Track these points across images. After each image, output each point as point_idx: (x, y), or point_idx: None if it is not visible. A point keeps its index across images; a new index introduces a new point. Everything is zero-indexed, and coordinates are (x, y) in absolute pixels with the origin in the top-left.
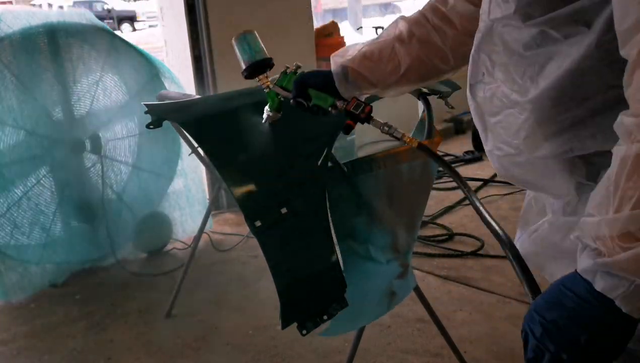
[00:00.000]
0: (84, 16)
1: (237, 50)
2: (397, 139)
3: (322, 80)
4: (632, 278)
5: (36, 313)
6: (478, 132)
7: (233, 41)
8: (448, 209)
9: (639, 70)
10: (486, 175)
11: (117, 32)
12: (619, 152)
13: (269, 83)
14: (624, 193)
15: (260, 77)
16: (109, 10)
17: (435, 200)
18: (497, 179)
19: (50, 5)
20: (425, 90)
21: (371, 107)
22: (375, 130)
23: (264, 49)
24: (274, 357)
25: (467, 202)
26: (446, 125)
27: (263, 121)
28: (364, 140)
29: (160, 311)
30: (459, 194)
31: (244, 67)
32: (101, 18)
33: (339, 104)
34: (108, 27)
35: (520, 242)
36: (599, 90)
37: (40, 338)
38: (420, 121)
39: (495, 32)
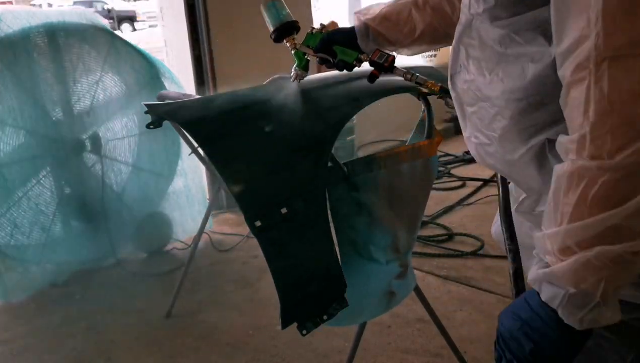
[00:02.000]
0: (84, 16)
1: (265, 16)
2: (420, 85)
3: (346, 37)
4: (566, 287)
5: (36, 313)
6: None
7: (262, 8)
8: (448, 209)
9: (572, 91)
10: (486, 175)
11: (117, 32)
12: (557, 170)
13: (295, 43)
14: (562, 208)
15: (288, 38)
16: (109, 10)
17: (435, 200)
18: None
19: (50, 5)
20: (425, 90)
21: (394, 56)
22: (375, 130)
23: (290, 13)
24: (274, 357)
25: (467, 202)
26: (446, 125)
27: (291, 80)
28: (364, 140)
29: (160, 311)
30: (459, 194)
31: (272, 30)
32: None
33: (362, 56)
34: (108, 27)
35: (495, 227)
36: (556, 97)
37: (40, 338)
38: (421, 121)
39: (474, 26)
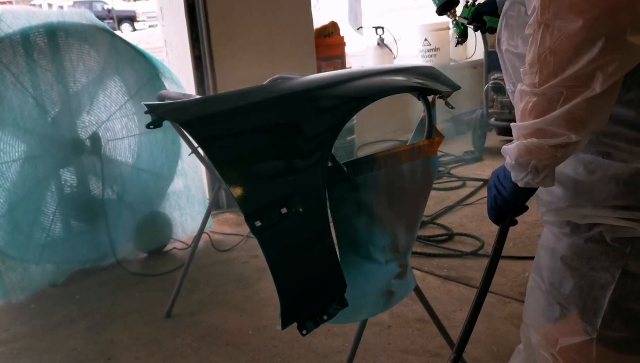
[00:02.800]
0: (84, 16)
1: None
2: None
3: (493, 7)
4: (513, 158)
5: (36, 313)
6: (477, 131)
7: None
8: (448, 209)
9: (533, 45)
10: (486, 175)
11: (117, 32)
12: (517, 87)
13: (455, 15)
14: (516, 112)
15: (449, 12)
16: (109, 10)
17: (435, 200)
18: None
19: (50, 5)
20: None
21: None
22: (375, 130)
23: None
24: (274, 357)
25: (467, 202)
26: (446, 125)
27: (455, 45)
28: (364, 140)
29: (160, 311)
30: (459, 194)
31: (437, 5)
32: (101, 18)
33: None
34: (108, 27)
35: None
36: None
37: (40, 338)
38: (421, 121)
39: (516, 1)
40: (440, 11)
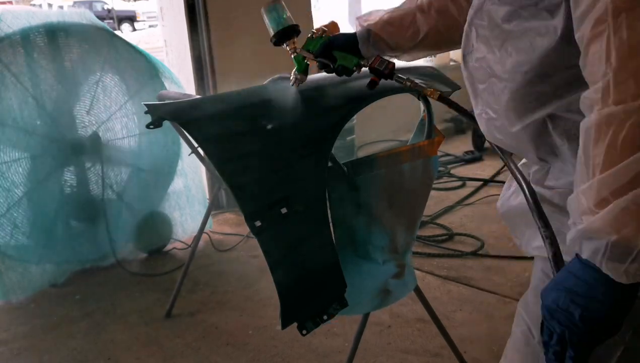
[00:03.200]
0: (84, 16)
1: (266, 19)
2: (419, 92)
3: (347, 42)
4: (607, 237)
5: (36, 313)
6: (477, 131)
7: (262, 10)
8: (448, 209)
9: (592, 47)
10: (486, 175)
11: (117, 32)
12: (583, 125)
13: (296, 47)
14: (593, 161)
15: (288, 42)
16: (109, 10)
17: (435, 200)
18: (497, 178)
19: (50, 5)
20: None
21: (394, 63)
22: (375, 130)
23: (291, 17)
24: (274, 357)
25: (467, 202)
26: (446, 125)
27: (291, 84)
28: (364, 140)
29: (160, 311)
30: (459, 194)
31: (272, 34)
32: (101, 18)
33: (362, 62)
34: (108, 27)
35: (501, 203)
36: (559, 69)
37: (40, 338)
38: (421, 121)
39: (485, 8)
40: (277, 41)
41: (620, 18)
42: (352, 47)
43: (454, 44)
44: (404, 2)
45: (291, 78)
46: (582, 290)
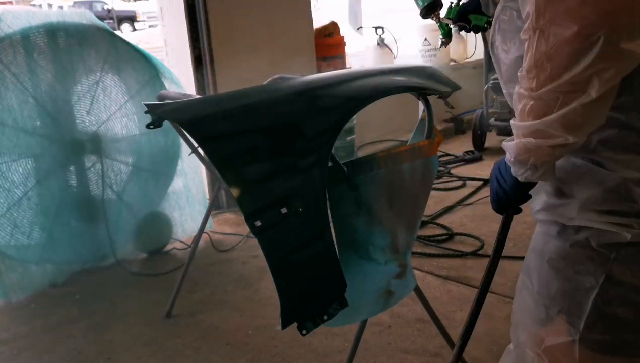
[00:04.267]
0: (84, 16)
1: None
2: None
3: (477, 6)
4: (510, 157)
5: (36, 313)
6: (477, 132)
7: None
8: (448, 209)
9: (529, 51)
10: (486, 175)
11: (117, 32)
12: (516, 88)
13: (440, 17)
14: (515, 112)
15: (433, 14)
16: (109, 10)
17: (435, 200)
18: None
19: (50, 5)
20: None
21: None
22: (375, 130)
23: None
24: (274, 357)
25: (467, 202)
26: (446, 125)
27: (439, 47)
28: (364, 140)
29: (160, 311)
30: (459, 194)
31: (421, 7)
32: (101, 18)
33: (491, 19)
34: (108, 27)
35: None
36: None
37: (40, 338)
38: (421, 121)
39: (508, 6)
40: (425, 13)
41: (535, 35)
42: (481, 9)
43: None
44: None
45: (439, 42)
46: (502, 171)
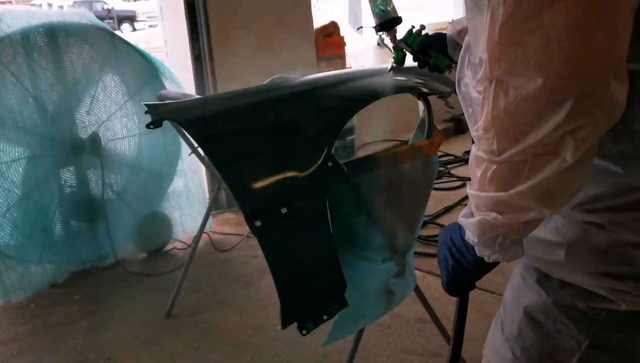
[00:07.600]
0: (84, 16)
1: (371, 7)
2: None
3: (442, 44)
4: (473, 237)
5: (36, 313)
6: None
7: None
8: (448, 209)
9: (485, 106)
10: None
11: (117, 32)
12: (473, 148)
13: (396, 38)
14: (473, 177)
15: (389, 32)
16: (109, 10)
17: (435, 200)
18: None
19: (50, 5)
20: (425, 90)
21: None
22: (375, 130)
23: (395, 8)
24: (273, 357)
25: (467, 202)
26: (446, 125)
27: (388, 70)
28: (364, 140)
29: (160, 311)
30: (459, 194)
31: (375, 23)
32: (101, 18)
33: (454, 66)
34: (108, 27)
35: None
36: None
37: (40, 338)
38: (421, 121)
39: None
40: (380, 28)
41: (492, 86)
42: (446, 50)
43: None
44: None
45: (389, 65)
46: (461, 249)
